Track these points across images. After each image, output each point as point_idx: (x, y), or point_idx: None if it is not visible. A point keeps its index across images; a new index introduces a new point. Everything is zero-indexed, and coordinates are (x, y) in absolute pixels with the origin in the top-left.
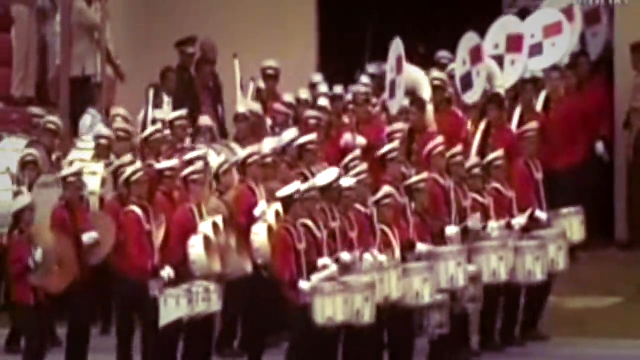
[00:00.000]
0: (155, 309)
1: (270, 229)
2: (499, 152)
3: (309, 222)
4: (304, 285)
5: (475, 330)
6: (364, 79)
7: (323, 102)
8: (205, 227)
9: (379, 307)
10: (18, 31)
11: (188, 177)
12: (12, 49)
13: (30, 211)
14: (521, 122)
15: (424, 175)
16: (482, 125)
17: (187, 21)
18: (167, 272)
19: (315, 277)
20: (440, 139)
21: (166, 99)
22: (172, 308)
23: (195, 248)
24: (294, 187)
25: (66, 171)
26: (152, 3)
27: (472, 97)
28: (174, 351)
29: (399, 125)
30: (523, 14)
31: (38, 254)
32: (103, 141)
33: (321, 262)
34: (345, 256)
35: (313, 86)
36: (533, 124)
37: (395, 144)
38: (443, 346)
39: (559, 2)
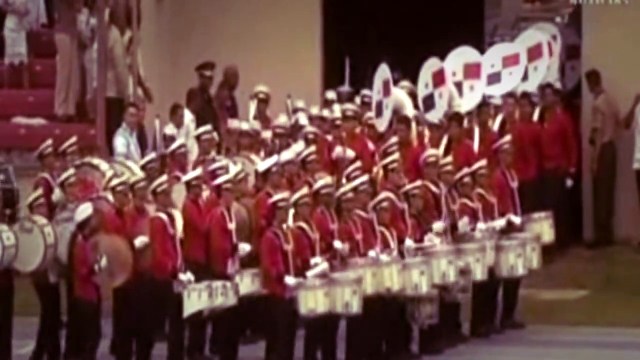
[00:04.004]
0: (179, 303)
1: None
2: (483, 162)
3: (304, 225)
4: (289, 280)
5: (464, 318)
6: (335, 106)
7: (303, 121)
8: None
9: (381, 297)
10: (61, 57)
11: (221, 185)
12: (56, 73)
13: (92, 220)
14: (480, 140)
15: (419, 182)
16: (444, 140)
17: (207, 49)
18: (187, 276)
19: (309, 273)
20: (432, 151)
21: (189, 116)
22: (194, 301)
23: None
24: (281, 195)
25: (115, 181)
26: (177, 33)
27: (435, 116)
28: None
29: (393, 140)
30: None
31: (103, 261)
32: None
33: (313, 260)
34: (337, 244)
35: (295, 110)
36: (508, 138)
37: (395, 156)
38: (432, 334)
39: (528, 39)
